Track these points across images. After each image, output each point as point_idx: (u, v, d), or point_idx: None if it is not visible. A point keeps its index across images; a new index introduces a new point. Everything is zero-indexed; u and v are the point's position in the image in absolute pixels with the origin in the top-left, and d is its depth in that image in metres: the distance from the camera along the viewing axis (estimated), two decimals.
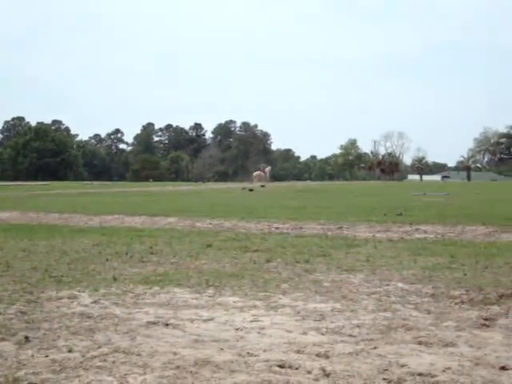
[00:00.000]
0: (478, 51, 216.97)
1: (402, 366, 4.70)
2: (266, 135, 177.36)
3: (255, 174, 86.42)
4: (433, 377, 4.45)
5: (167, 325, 5.99)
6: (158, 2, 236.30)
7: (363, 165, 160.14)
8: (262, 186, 64.68)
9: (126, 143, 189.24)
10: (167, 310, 6.64)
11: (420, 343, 5.31)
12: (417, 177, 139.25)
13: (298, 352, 5.06)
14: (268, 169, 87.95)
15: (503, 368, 4.65)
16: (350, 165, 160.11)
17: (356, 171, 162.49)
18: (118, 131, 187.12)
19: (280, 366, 4.68)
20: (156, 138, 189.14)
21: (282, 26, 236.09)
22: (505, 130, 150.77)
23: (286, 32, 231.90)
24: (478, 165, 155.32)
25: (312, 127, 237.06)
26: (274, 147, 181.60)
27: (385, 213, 20.89)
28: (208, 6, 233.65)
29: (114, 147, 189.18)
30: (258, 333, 5.69)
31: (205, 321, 6.18)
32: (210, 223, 17.73)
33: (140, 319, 6.20)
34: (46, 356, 4.95)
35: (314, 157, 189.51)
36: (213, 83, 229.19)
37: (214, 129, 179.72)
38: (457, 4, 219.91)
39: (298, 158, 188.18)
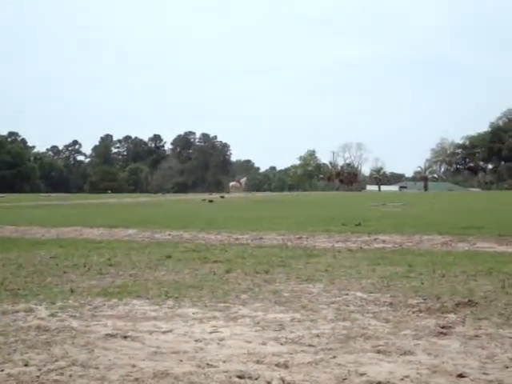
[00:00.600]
0: (436, 63, 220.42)
1: (361, 374, 4.72)
2: (225, 146, 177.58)
3: (231, 184, 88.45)
4: None
5: (126, 337, 5.93)
6: (115, 14, 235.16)
7: (322, 175, 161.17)
8: (222, 197, 64.62)
9: (84, 155, 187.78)
10: (126, 322, 6.57)
11: (379, 352, 5.34)
12: (375, 187, 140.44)
13: (258, 362, 5.05)
14: (243, 180, 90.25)
15: (460, 376, 4.70)
16: (310, 176, 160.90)
17: (315, 182, 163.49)
18: (75, 143, 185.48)
19: (239, 377, 4.67)
20: (114, 150, 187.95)
21: (241, 34, 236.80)
22: (461, 141, 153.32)
23: (246, 42, 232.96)
24: (435, 175, 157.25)
25: (271, 138, 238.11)
26: (233, 158, 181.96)
27: (344, 223, 21.00)
28: (162, 17, 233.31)
29: (71, 159, 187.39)
30: (218, 344, 5.67)
31: (164, 332, 6.13)
32: (170, 234, 17.64)
33: (98, 332, 6.13)
34: (2, 370, 4.86)
35: (273, 168, 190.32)
36: (171, 94, 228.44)
37: (174, 140, 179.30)
38: (416, 16, 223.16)
39: (258, 168, 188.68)
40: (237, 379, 4.63)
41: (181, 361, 5.12)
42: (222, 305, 7.47)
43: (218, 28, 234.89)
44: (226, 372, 4.78)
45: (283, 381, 4.56)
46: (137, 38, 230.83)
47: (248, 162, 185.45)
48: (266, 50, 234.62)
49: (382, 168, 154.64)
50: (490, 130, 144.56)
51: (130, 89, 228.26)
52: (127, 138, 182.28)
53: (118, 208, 40.39)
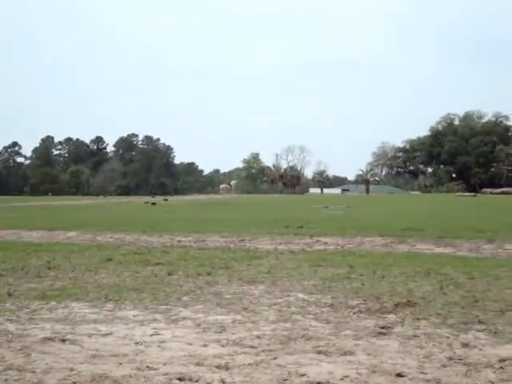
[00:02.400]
0: (379, 67, 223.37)
1: (302, 375, 4.74)
2: (168, 149, 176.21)
3: (222, 186, 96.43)
4: None
5: (64, 340, 5.83)
6: (50, 16, 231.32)
7: (266, 178, 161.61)
8: (165, 199, 64.27)
9: (24, 157, 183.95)
10: (64, 326, 6.46)
11: (319, 352, 5.37)
12: (318, 190, 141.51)
13: (198, 364, 5.02)
14: (233, 182, 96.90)
15: (399, 375, 4.76)
16: (253, 178, 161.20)
17: (259, 184, 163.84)
18: (15, 144, 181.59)
19: (180, 379, 4.64)
20: (55, 152, 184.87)
21: (187, 34, 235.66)
22: (401, 145, 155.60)
23: (191, 42, 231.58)
24: (377, 178, 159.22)
25: (215, 141, 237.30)
26: (177, 161, 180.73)
27: (286, 225, 21.11)
28: (101, 18, 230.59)
29: (11, 161, 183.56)
30: (158, 346, 5.62)
31: (103, 335, 6.05)
32: (111, 237, 17.45)
33: (35, 335, 6.02)
34: None
35: (217, 170, 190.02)
36: (113, 96, 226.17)
37: (116, 142, 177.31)
38: (351, 21, 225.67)
39: (202, 171, 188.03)
40: (177, 381, 4.60)
41: (120, 364, 5.06)
42: (164, 307, 7.42)
43: (163, 27, 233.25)
44: (166, 374, 4.74)
45: (223, 382, 4.55)
46: (80, 38, 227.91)
47: (192, 164, 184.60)
48: (209, 50, 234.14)
49: (324, 171, 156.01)
50: (429, 134, 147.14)
51: (71, 90, 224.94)
52: (68, 139, 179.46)
53: (58, 210, 39.75)
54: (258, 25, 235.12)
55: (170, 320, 6.74)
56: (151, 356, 5.28)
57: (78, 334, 6.07)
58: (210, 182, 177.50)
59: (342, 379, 4.64)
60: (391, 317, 6.82)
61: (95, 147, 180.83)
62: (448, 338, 5.87)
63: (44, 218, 28.28)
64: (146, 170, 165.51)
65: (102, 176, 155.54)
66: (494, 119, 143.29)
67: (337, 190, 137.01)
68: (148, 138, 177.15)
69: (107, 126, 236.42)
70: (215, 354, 5.33)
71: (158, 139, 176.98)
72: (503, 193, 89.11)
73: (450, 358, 5.19)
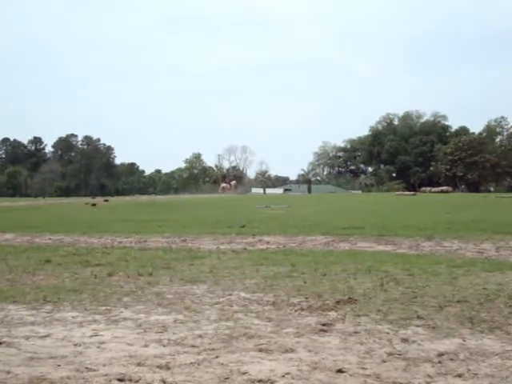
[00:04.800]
0: (320, 67, 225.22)
1: (243, 373, 4.72)
2: (109, 149, 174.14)
3: (222, 185, 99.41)
4: (272, 383, 4.52)
5: (0, 343, 5.69)
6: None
7: (208, 179, 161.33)
8: (106, 200, 63.55)
9: None
10: (1, 329, 6.31)
11: (261, 350, 5.37)
12: (260, 190, 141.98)
13: (139, 365, 4.96)
14: (233, 182, 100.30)
15: (340, 371, 4.79)
16: (195, 179, 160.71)
17: (201, 185, 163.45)
18: None
19: (120, 380, 4.58)
20: None
21: (127, 37, 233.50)
22: (342, 144, 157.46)
23: (131, 44, 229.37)
24: (318, 178, 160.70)
25: (156, 141, 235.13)
26: (117, 161, 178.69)
27: (229, 225, 21.11)
28: (44, 19, 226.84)
29: None
30: (98, 347, 5.53)
31: (41, 337, 5.93)
32: (50, 238, 17.15)
33: None
34: None
35: (158, 171, 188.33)
36: (53, 96, 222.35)
37: (55, 143, 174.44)
38: (296, 22, 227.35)
39: (143, 172, 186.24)
40: (117, 382, 4.53)
41: (58, 365, 4.96)
42: (104, 308, 7.32)
43: (103, 30, 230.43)
44: (105, 375, 4.67)
45: (164, 382, 4.50)
46: (21, 38, 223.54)
47: (133, 164, 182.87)
48: (150, 53, 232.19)
49: (267, 171, 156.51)
50: (370, 133, 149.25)
51: (9, 90, 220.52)
52: (5, 140, 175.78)
53: None
54: (203, 26, 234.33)
55: (110, 321, 6.65)
56: (90, 357, 5.20)
57: (15, 337, 5.94)
58: (152, 183, 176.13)
59: (283, 376, 4.64)
60: (332, 314, 6.86)
61: (33, 148, 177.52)
62: (388, 333, 5.94)
63: None
64: (86, 170, 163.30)
65: (41, 177, 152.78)
66: (432, 119, 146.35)
67: (279, 190, 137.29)
68: (88, 139, 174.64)
69: (45, 126, 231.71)
70: (156, 354, 5.28)
71: (98, 139, 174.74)
72: (442, 191, 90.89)
73: (390, 354, 5.25)
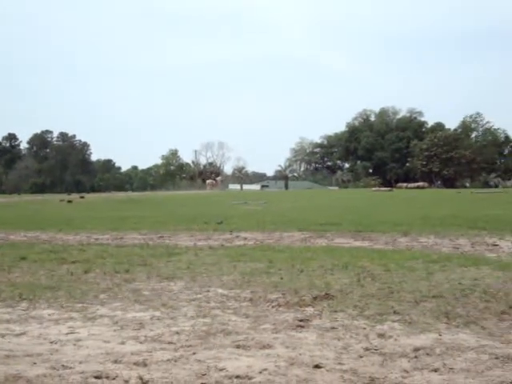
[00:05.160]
0: (294, 65, 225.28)
1: (221, 369, 4.73)
2: (85, 145, 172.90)
3: (208, 181, 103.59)
4: (250, 379, 4.52)
5: None
6: None
7: (185, 175, 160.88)
8: (82, 197, 63.18)
9: None
10: None
11: (238, 347, 5.37)
12: (238, 186, 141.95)
13: (116, 362, 4.95)
14: (219, 178, 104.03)
15: (317, 366, 4.81)
16: (172, 175, 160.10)
17: (178, 181, 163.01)
18: None
19: (96, 377, 4.56)
20: None
21: (103, 32, 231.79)
22: (319, 141, 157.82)
23: (106, 40, 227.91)
24: (295, 174, 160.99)
25: (133, 137, 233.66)
26: (93, 158, 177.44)
27: (206, 221, 21.08)
28: (16, 13, 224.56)
29: None
30: (74, 345, 5.50)
31: (17, 335, 5.89)
32: (25, 236, 17.01)
33: None
34: None
35: (135, 167, 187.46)
36: (27, 92, 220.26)
37: (30, 139, 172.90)
38: (273, 18, 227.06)
39: (119, 168, 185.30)
40: (93, 379, 4.51)
41: (34, 363, 4.93)
42: (80, 305, 7.28)
43: (73, 26, 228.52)
44: (82, 373, 4.65)
45: (141, 379, 4.49)
46: None
47: (109, 161, 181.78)
48: (125, 48, 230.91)
49: (244, 167, 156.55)
50: (346, 129, 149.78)
51: None
52: None
53: None
54: (177, 23, 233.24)
55: (87, 318, 6.61)
56: (67, 355, 5.17)
57: None
58: (128, 180, 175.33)
59: (260, 372, 4.65)
60: (309, 310, 6.89)
61: (8, 144, 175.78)
62: (364, 329, 5.98)
63: None
64: (62, 167, 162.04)
65: (16, 174, 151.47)
66: (408, 115, 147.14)
67: (256, 186, 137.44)
68: (63, 135, 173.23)
69: (20, 122, 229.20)
70: (133, 351, 5.26)
71: (74, 136, 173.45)
72: (418, 187, 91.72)
73: (367, 349, 5.28)
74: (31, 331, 6.04)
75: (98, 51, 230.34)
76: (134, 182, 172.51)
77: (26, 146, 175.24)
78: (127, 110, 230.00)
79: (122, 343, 5.55)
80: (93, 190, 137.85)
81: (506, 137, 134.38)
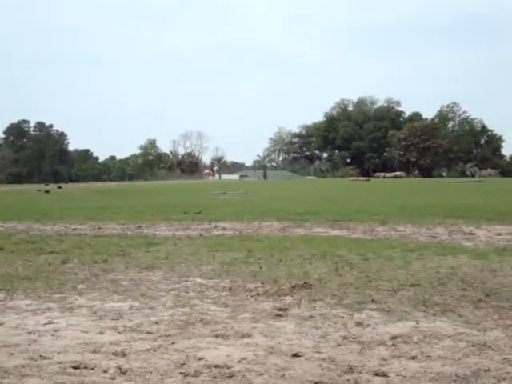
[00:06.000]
0: (274, 54, 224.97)
1: (199, 359, 4.73)
2: (62, 135, 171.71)
3: (205, 172, 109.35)
4: (229, 368, 4.52)
5: None
6: None
7: (163, 165, 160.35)
8: (59, 187, 62.79)
9: None
10: None
11: (217, 336, 5.38)
12: (216, 176, 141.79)
13: (94, 352, 4.93)
14: (216, 168, 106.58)
15: (295, 355, 4.82)
16: (150, 165, 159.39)
17: (156, 171, 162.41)
18: None
19: (75, 367, 4.54)
20: None
21: (81, 19, 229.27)
22: (297, 130, 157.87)
23: (82, 27, 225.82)
24: (274, 164, 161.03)
25: (110, 127, 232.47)
26: (71, 148, 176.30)
27: (185, 211, 21.05)
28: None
29: None
30: (52, 335, 5.48)
31: None
32: (2, 226, 16.90)
33: None
34: None
35: (113, 157, 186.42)
36: (4, 82, 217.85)
37: (6, 129, 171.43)
38: (253, 7, 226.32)
39: (97, 158, 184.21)
40: (72, 370, 4.50)
41: (12, 354, 4.90)
42: (58, 296, 7.25)
43: (50, 14, 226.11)
44: (60, 363, 4.63)
45: (120, 369, 4.48)
46: None
47: (87, 151, 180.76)
48: (103, 36, 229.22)
49: (222, 157, 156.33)
50: (324, 119, 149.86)
51: None
52: None
53: None
54: (154, 11, 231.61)
55: (65, 308, 6.59)
56: (45, 345, 5.15)
57: None
58: (106, 170, 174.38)
59: (239, 361, 4.66)
60: (288, 299, 6.91)
61: None
62: (343, 317, 6.01)
63: None
64: (39, 157, 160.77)
65: None
66: (386, 105, 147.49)
67: (235, 176, 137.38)
68: (40, 125, 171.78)
69: None
70: (112, 341, 5.25)
71: (51, 125, 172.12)
72: (396, 177, 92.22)
73: (345, 337, 5.31)
74: (9, 322, 6.01)
75: (73, 41, 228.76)
76: (112, 172, 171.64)
77: (3, 135, 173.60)
78: (105, 100, 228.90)
79: (101, 333, 5.53)
80: (71, 180, 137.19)
81: (483, 126, 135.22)
